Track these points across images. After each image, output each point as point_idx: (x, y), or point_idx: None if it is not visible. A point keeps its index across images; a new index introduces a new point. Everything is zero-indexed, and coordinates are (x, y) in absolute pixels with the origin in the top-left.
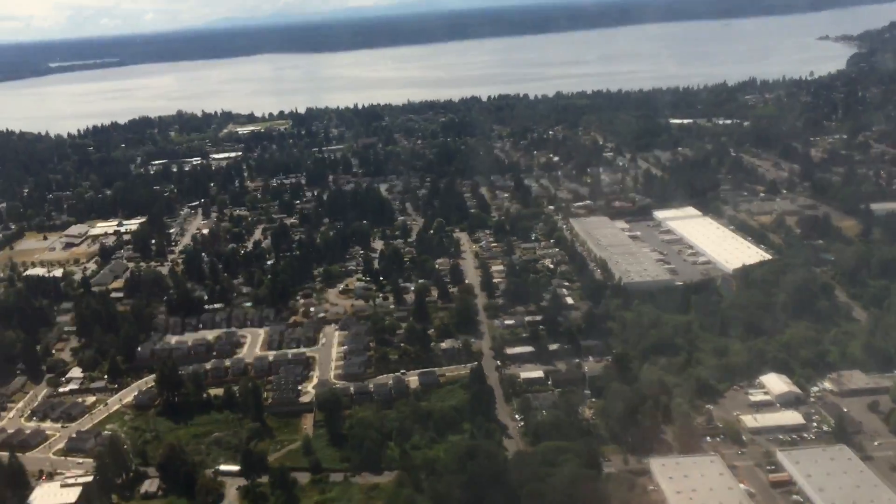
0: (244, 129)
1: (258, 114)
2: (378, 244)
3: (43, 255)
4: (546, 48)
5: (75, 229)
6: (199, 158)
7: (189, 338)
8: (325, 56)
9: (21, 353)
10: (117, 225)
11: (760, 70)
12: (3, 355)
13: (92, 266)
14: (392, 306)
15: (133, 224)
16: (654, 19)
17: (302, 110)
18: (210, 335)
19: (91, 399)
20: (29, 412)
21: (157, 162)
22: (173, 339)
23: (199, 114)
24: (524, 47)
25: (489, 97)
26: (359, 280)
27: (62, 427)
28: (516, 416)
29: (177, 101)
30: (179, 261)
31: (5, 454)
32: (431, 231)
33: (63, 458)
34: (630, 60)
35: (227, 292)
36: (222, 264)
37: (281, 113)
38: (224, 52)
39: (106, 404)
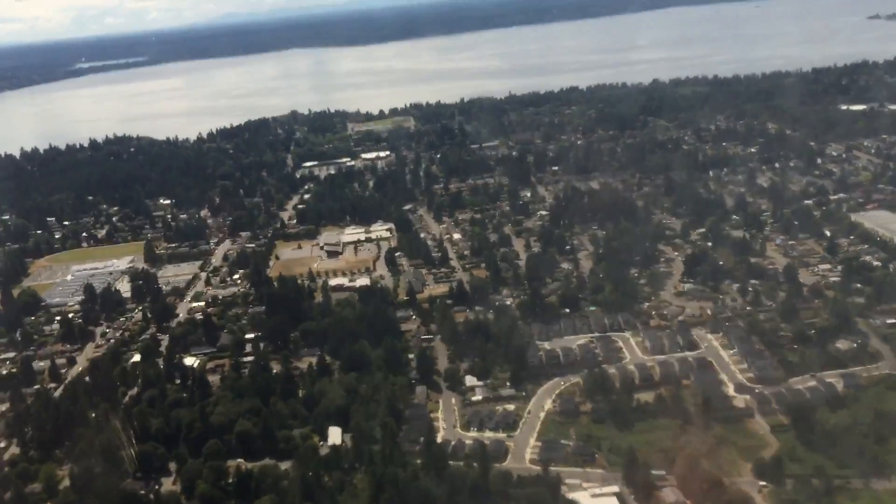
0: (378, 127)
1: (369, 110)
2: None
3: (321, 264)
4: (586, 35)
5: (329, 237)
6: (348, 159)
7: (570, 342)
8: (359, 49)
9: (416, 363)
10: (365, 231)
11: (838, 51)
12: (395, 365)
13: (384, 273)
14: (749, 308)
15: (380, 230)
16: (679, 3)
17: (400, 105)
18: (581, 340)
19: (510, 407)
20: (463, 423)
21: (308, 164)
22: (546, 345)
23: (306, 112)
24: (562, 34)
25: (588, 87)
26: (682, 281)
27: (507, 437)
28: None
29: (237, 98)
30: (467, 266)
31: (536, 467)
32: (704, 230)
33: (536, 467)
34: (689, 45)
35: (574, 297)
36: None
37: (394, 110)
38: (249, 48)
39: (529, 412)
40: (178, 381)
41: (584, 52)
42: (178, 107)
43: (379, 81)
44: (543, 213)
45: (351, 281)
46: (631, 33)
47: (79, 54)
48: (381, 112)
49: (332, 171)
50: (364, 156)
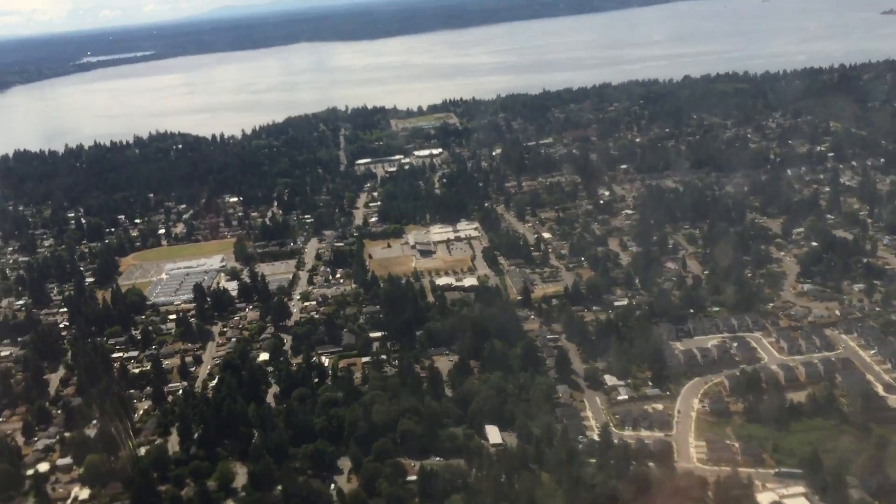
0: (422, 124)
1: (408, 107)
2: None
3: (418, 263)
4: (596, 30)
5: (418, 237)
6: (401, 156)
7: (702, 343)
8: (367, 44)
9: (555, 363)
10: (453, 230)
11: (860, 46)
12: (532, 365)
13: (487, 273)
14: (878, 308)
15: (468, 229)
16: None
17: (433, 101)
18: (713, 341)
19: (658, 407)
20: (616, 422)
21: (361, 161)
22: (678, 345)
23: (343, 108)
24: (571, 29)
25: (620, 83)
26: (799, 282)
27: (665, 436)
28: None
29: (257, 94)
30: (570, 266)
31: (706, 466)
32: (803, 229)
33: (708, 466)
34: (704, 40)
35: (698, 298)
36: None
37: (432, 106)
38: (253, 42)
39: (679, 412)
40: (316, 380)
41: (598, 48)
42: (199, 102)
43: (399, 77)
44: (629, 211)
45: (458, 280)
46: (641, 28)
47: (82, 48)
48: (420, 108)
49: (392, 169)
50: (417, 153)
